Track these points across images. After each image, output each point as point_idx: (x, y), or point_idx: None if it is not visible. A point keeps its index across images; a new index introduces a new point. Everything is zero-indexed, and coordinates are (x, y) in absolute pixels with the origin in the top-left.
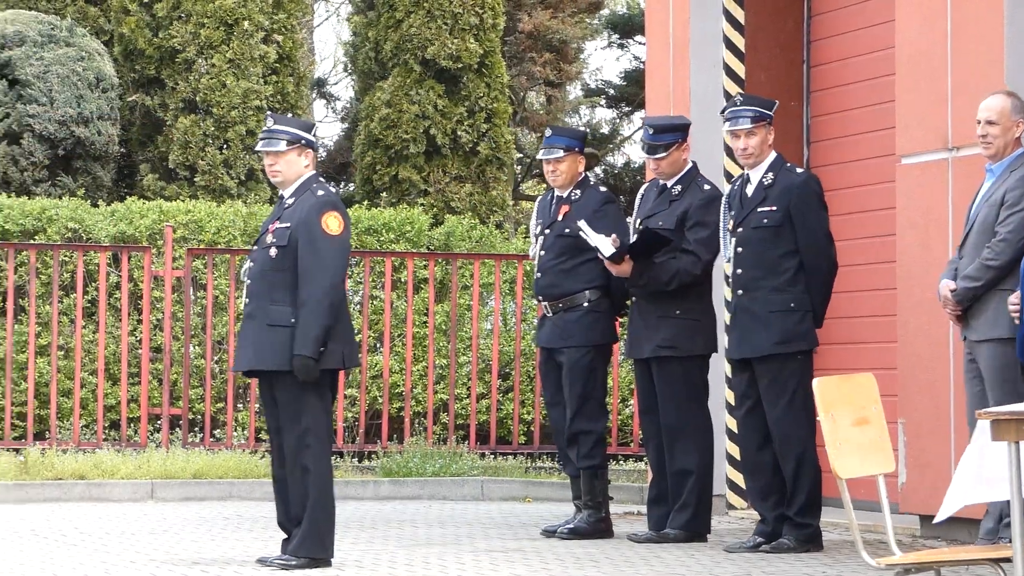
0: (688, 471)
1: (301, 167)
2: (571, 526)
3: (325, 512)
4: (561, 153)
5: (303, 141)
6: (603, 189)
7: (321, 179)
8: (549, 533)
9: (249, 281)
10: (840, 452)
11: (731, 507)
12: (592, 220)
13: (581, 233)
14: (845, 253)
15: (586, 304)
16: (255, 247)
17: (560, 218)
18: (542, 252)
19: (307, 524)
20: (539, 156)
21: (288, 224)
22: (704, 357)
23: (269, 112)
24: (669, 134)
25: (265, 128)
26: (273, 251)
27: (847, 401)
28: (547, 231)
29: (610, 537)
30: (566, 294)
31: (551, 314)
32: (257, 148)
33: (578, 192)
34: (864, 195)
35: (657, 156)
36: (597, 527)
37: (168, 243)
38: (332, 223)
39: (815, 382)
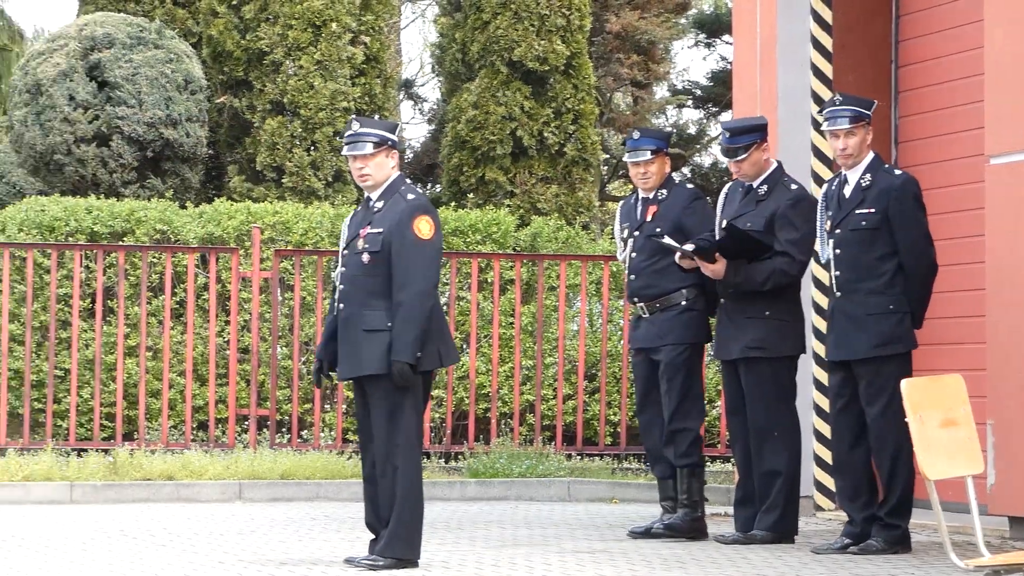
0: (776, 472)
1: (388, 169)
2: (667, 522)
3: (413, 513)
4: (649, 155)
5: (389, 142)
6: (690, 186)
7: (408, 181)
8: (636, 534)
9: (343, 286)
10: (928, 453)
11: (818, 508)
12: (681, 217)
13: (665, 244)
14: (937, 254)
15: (684, 303)
16: (346, 251)
17: (649, 219)
18: (633, 254)
19: (395, 524)
20: (625, 158)
21: (380, 229)
22: (793, 358)
23: (354, 116)
24: (746, 135)
25: (350, 132)
26: (366, 257)
27: (935, 402)
28: (636, 233)
29: (705, 537)
30: (663, 294)
31: (647, 315)
32: (344, 152)
33: (664, 192)
34: (954, 196)
35: (738, 159)
36: (693, 526)
37: (256, 244)
38: (424, 227)
39: (903, 384)
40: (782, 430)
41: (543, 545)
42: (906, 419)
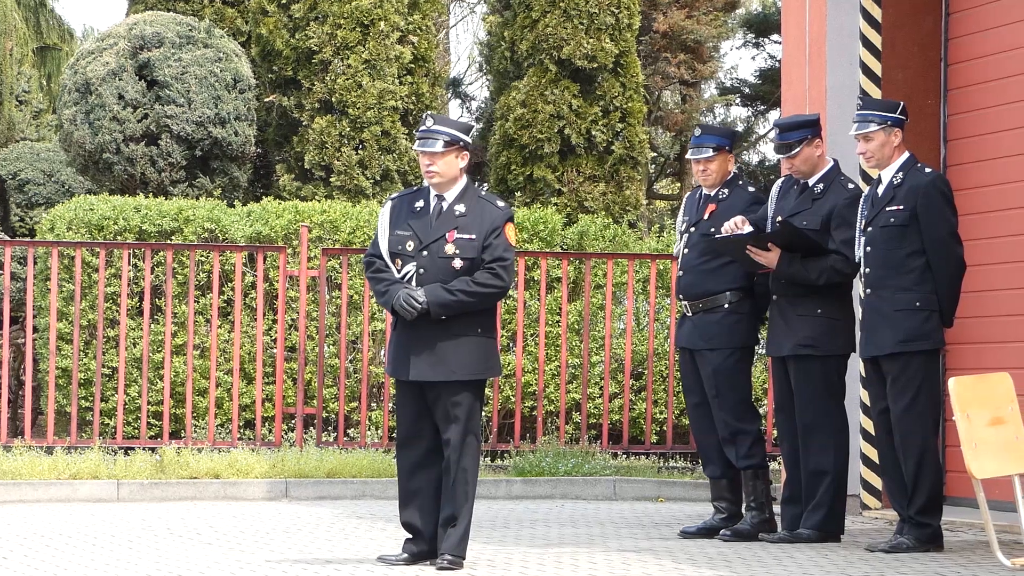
0: (824, 471)
1: (457, 169)
2: (736, 528)
3: (471, 514)
4: (711, 152)
5: (461, 143)
6: (751, 189)
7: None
8: (688, 534)
9: (423, 289)
10: (976, 452)
11: (865, 507)
12: None
13: (719, 238)
14: (984, 251)
15: (727, 305)
16: (424, 252)
17: (706, 217)
18: (685, 250)
19: (464, 523)
20: (688, 156)
21: (472, 236)
22: (843, 357)
23: (428, 112)
24: (797, 131)
25: (423, 127)
26: (458, 263)
27: (983, 401)
28: (692, 229)
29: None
30: (707, 294)
31: (691, 314)
32: (415, 147)
33: (726, 191)
34: (1003, 193)
35: (790, 155)
36: (762, 528)
37: (303, 243)
38: (511, 234)
39: (951, 382)
40: (830, 428)
41: (589, 544)
42: (932, 416)
